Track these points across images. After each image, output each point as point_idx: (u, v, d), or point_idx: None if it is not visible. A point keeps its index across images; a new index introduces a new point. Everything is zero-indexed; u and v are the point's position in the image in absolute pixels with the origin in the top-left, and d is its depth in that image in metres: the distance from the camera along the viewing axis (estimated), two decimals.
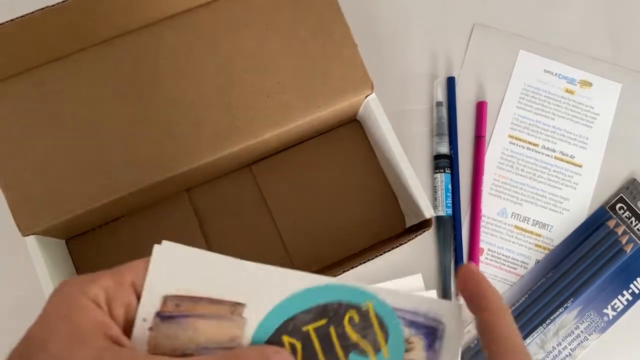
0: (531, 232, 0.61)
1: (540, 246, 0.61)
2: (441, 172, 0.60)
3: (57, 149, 0.50)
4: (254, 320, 0.33)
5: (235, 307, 0.33)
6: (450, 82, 0.63)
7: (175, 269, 0.33)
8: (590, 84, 0.64)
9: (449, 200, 0.60)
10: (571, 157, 0.63)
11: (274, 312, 0.33)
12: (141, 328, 0.32)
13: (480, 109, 0.62)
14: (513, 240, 0.61)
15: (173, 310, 0.32)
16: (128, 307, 0.32)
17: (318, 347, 0.33)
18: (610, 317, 0.59)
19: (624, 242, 0.60)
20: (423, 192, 0.52)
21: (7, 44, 0.49)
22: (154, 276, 0.33)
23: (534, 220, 0.61)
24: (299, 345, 0.33)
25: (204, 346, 0.32)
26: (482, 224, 0.61)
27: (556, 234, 0.61)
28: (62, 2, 0.49)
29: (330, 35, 0.53)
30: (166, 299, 0.32)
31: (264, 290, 0.33)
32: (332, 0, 0.54)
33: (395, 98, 0.62)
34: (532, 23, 0.65)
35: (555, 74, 0.64)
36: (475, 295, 0.32)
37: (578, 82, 0.64)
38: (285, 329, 0.33)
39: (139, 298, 0.32)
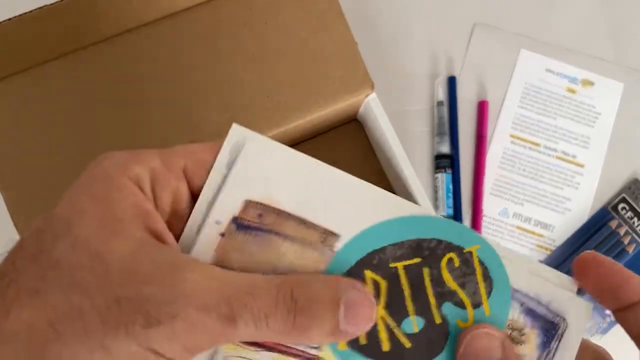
0: (533, 233, 0.61)
1: (542, 247, 0.60)
2: (442, 172, 0.60)
3: (56, 149, 0.50)
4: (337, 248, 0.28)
5: (327, 237, 0.28)
6: (451, 82, 0.62)
7: (264, 169, 0.28)
8: (592, 84, 0.64)
9: (450, 201, 0.60)
10: (573, 157, 0.62)
11: (359, 240, 0.28)
12: (211, 231, 0.27)
13: (482, 108, 0.62)
14: (514, 240, 0.60)
15: (254, 221, 0.28)
16: (177, 195, 0.27)
17: (407, 289, 0.28)
18: (612, 318, 0.59)
19: (626, 242, 0.60)
20: (424, 192, 0.52)
21: (5, 43, 0.49)
22: (238, 172, 0.28)
23: (535, 220, 0.61)
24: (383, 284, 0.28)
25: (281, 272, 0.28)
26: (483, 224, 0.61)
27: (558, 235, 0.61)
28: (61, 0, 0.48)
29: (330, 34, 0.53)
30: (248, 204, 0.28)
31: (354, 211, 0.29)
32: (333, 0, 0.53)
33: (395, 98, 0.62)
34: (534, 22, 0.65)
35: (557, 73, 0.64)
36: (615, 288, 0.27)
37: (580, 82, 0.64)
38: (370, 262, 0.28)
39: (193, 192, 0.27)
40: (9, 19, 0.48)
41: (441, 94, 0.62)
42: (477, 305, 0.28)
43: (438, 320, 0.28)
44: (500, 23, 0.65)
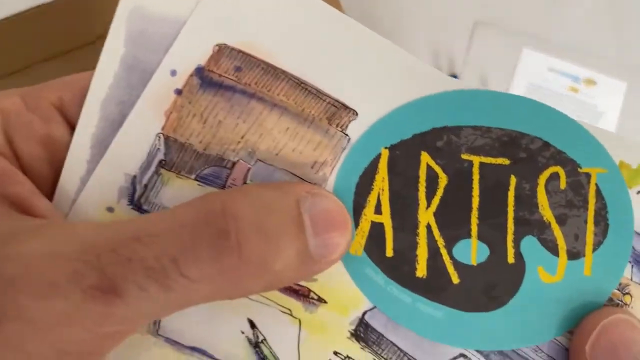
0: None
1: None
2: None
3: None
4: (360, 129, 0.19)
5: (338, 112, 0.19)
6: None
7: (248, 2, 0.19)
8: (595, 83, 0.63)
9: None
10: None
11: (408, 111, 0.19)
12: (162, 85, 0.19)
13: None
14: None
15: (228, 76, 0.19)
16: (52, 143, 0.20)
17: (476, 198, 0.19)
18: None
19: None
20: None
21: (2, 42, 0.49)
22: (207, 3, 0.19)
23: None
24: (443, 181, 0.19)
25: (261, 157, 0.19)
26: None
27: None
28: None
29: None
30: (221, 49, 0.19)
31: (391, 80, 0.19)
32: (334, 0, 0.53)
33: None
34: (536, 21, 0.65)
35: (559, 72, 0.63)
36: None
37: (582, 81, 0.63)
38: (433, 141, 0.19)
39: (73, 128, 0.20)
40: (6, 18, 0.47)
41: None
42: (575, 256, 0.19)
43: (510, 259, 0.19)
44: (501, 22, 0.64)
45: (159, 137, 0.20)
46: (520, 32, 0.64)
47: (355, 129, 0.20)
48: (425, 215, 0.19)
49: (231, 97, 0.19)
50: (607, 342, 0.19)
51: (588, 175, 0.19)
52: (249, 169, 0.20)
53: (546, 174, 0.19)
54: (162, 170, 0.20)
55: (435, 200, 0.19)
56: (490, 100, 0.19)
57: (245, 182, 0.20)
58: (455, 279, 0.20)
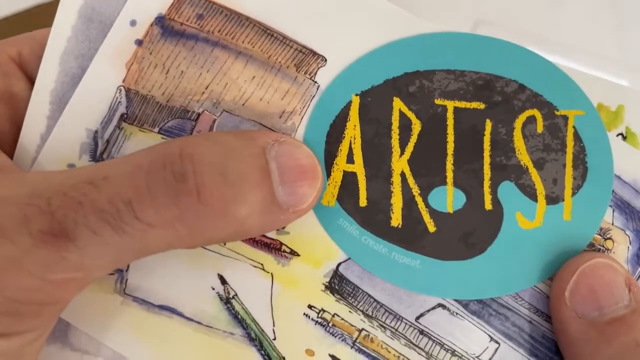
0: None
1: None
2: None
3: None
4: (329, 75, 0.18)
5: (306, 58, 0.18)
6: None
7: None
8: None
9: None
10: None
11: (380, 55, 0.18)
12: (123, 36, 0.18)
13: None
14: None
15: (190, 24, 0.18)
16: (13, 98, 0.19)
17: (451, 144, 0.19)
18: None
19: None
20: None
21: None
22: None
23: None
24: (416, 127, 0.19)
25: (226, 107, 0.18)
26: None
27: None
28: None
29: None
30: None
31: (361, 24, 0.18)
32: None
33: None
34: (536, 21, 0.64)
35: None
36: None
37: None
38: (405, 86, 0.18)
39: (33, 83, 0.19)
40: (6, 18, 0.48)
41: None
42: (554, 200, 0.19)
43: (488, 206, 0.19)
44: (502, 21, 0.64)
45: (120, 89, 0.19)
46: (520, 32, 0.64)
47: (325, 76, 0.19)
48: (399, 163, 0.19)
49: (194, 46, 0.19)
50: (586, 286, 0.18)
51: (565, 118, 0.19)
52: (214, 120, 0.19)
53: (522, 117, 0.19)
54: (124, 124, 0.20)
55: (409, 148, 0.19)
56: (463, 43, 0.19)
57: None
58: (432, 228, 0.19)
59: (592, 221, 0.19)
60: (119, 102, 0.19)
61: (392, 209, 0.19)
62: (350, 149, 0.19)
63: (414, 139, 0.19)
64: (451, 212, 0.19)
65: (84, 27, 0.20)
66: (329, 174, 0.19)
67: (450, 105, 0.19)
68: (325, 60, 0.19)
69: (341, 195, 0.19)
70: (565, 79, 0.19)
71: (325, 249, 0.19)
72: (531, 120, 0.19)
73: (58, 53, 0.20)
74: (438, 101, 0.19)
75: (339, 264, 0.20)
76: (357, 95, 0.19)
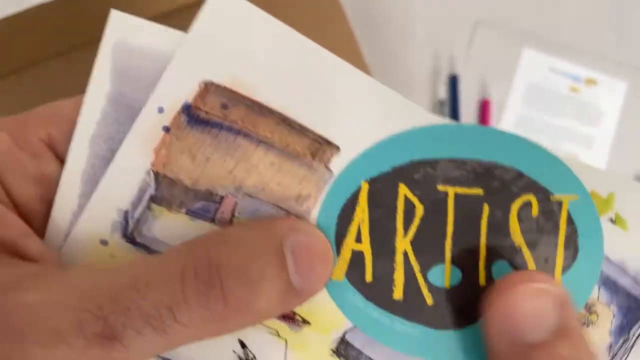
0: None
1: None
2: None
3: None
4: (342, 163, 0.20)
5: (321, 147, 0.20)
6: (453, 81, 0.62)
7: (233, 39, 0.20)
8: (596, 83, 0.63)
9: None
10: (576, 157, 0.62)
11: (388, 145, 0.20)
12: (151, 122, 0.20)
13: (484, 108, 0.62)
14: None
15: (215, 113, 0.20)
16: (44, 180, 0.20)
17: (450, 226, 0.20)
18: None
19: None
20: None
21: (2, 41, 0.49)
22: (194, 40, 0.19)
23: None
24: (419, 210, 0.20)
25: (248, 192, 0.20)
26: None
27: None
28: None
29: (331, 33, 0.52)
30: (207, 87, 0.20)
31: (374, 115, 0.20)
32: None
33: None
34: (537, 20, 0.64)
35: (560, 72, 0.63)
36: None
37: (583, 81, 0.63)
38: (410, 174, 0.20)
39: (63, 163, 0.20)
40: (6, 18, 0.47)
41: (443, 93, 0.61)
42: None
43: (482, 282, 0.20)
44: (502, 21, 0.64)
45: (149, 173, 0.20)
46: (521, 32, 0.64)
47: (338, 163, 0.21)
48: (402, 243, 0.21)
49: (218, 134, 0.20)
50: (507, 311, 0.19)
51: (560, 203, 0.20)
52: (236, 203, 0.21)
53: (519, 202, 0.20)
54: (153, 205, 0.21)
55: (412, 229, 0.20)
56: (466, 134, 0.20)
57: (233, 216, 0.21)
58: (430, 301, 0.21)
59: (580, 297, 0.20)
60: (148, 184, 0.21)
61: (394, 284, 0.21)
62: (359, 230, 0.21)
63: (416, 222, 0.20)
64: (448, 287, 0.21)
65: (112, 110, 0.20)
66: (338, 252, 0.21)
67: (451, 191, 0.20)
68: (339, 149, 0.20)
69: (349, 271, 0.21)
70: (561, 166, 0.20)
71: (333, 319, 0.21)
72: (527, 204, 0.20)
73: (87, 136, 0.20)
74: (440, 187, 0.20)
75: (345, 332, 0.21)
76: (366, 181, 0.20)
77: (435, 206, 0.20)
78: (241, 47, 0.20)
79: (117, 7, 0.51)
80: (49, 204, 0.20)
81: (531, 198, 0.20)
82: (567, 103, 0.63)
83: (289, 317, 0.21)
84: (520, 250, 0.20)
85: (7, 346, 0.16)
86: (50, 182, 0.20)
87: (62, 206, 0.20)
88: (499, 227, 0.20)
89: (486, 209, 0.20)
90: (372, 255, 0.21)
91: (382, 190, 0.20)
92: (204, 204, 0.20)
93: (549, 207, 0.20)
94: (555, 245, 0.20)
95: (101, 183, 0.20)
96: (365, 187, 0.21)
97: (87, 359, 0.17)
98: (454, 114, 0.61)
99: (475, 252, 0.20)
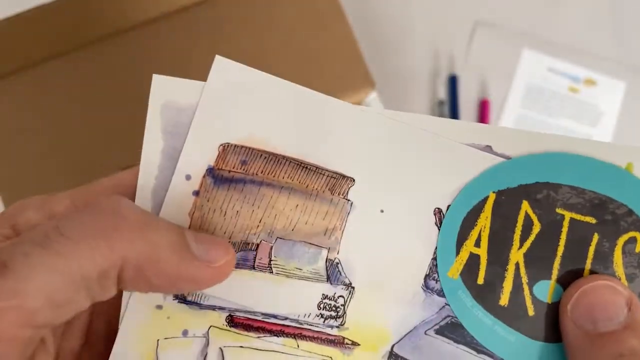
0: None
1: None
2: None
3: (54, 149, 0.50)
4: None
5: (337, 182, 0.22)
6: (453, 81, 0.62)
7: (240, 103, 0.22)
8: (595, 83, 0.63)
9: None
10: None
11: (513, 165, 0.22)
12: (181, 189, 0.21)
13: (483, 108, 0.62)
14: None
15: (237, 171, 0.22)
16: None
17: (562, 248, 0.22)
18: None
19: None
20: None
21: (1, 42, 0.49)
22: (205, 109, 0.21)
23: None
24: (536, 228, 0.22)
25: (279, 235, 0.22)
26: None
27: None
28: None
29: (331, 34, 0.52)
30: (225, 149, 0.22)
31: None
32: None
33: (396, 97, 0.61)
34: (536, 20, 0.64)
35: (560, 72, 0.63)
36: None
37: (582, 81, 0.63)
38: (534, 193, 0.22)
39: None
40: (6, 18, 0.47)
41: (442, 93, 0.62)
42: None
43: None
44: (502, 21, 0.64)
45: None
46: (520, 32, 0.64)
47: (357, 192, 0.22)
48: (516, 255, 0.23)
49: (243, 188, 0.22)
50: (585, 303, 0.22)
51: None
52: (271, 248, 0.22)
53: (625, 237, 0.22)
54: None
55: (527, 244, 0.22)
56: (590, 166, 0.22)
57: (270, 259, 0.22)
58: (531, 312, 0.23)
59: None
60: None
61: (502, 291, 0.23)
62: (479, 236, 0.23)
63: (532, 237, 0.22)
64: (550, 302, 0.22)
65: (168, 164, 0.22)
66: (457, 252, 0.23)
67: (567, 215, 0.22)
68: (354, 180, 0.22)
69: (464, 271, 0.23)
70: None
71: (380, 336, 0.23)
72: (632, 240, 0.22)
73: (149, 189, 0.22)
74: (559, 210, 0.22)
75: (393, 345, 0.23)
76: (494, 192, 0.23)
77: (552, 226, 0.22)
78: (250, 107, 0.22)
79: (118, 9, 0.51)
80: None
81: (637, 235, 0.22)
82: (566, 103, 0.63)
83: (339, 342, 0.23)
84: (619, 280, 0.22)
85: None
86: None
87: None
88: (604, 255, 0.22)
89: (596, 237, 0.22)
90: (487, 261, 0.23)
91: (506, 203, 0.22)
92: (242, 254, 0.22)
93: None
94: None
95: None
96: (492, 197, 0.23)
97: None
98: (454, 114, 0.61)
99: (579, 274, 0.22)
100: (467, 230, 0.23)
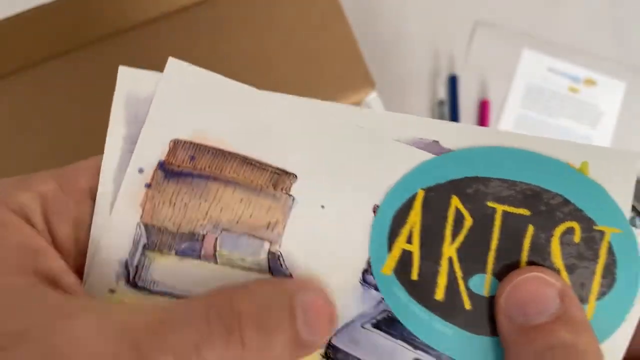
0: None
1: None
2: None
3: (54, 149, 0.50)
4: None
5: (280, 178, 0.23)
6: (452, 81, 0.62)
7: (191, 101, 0.23)
8: (595, 83, 0.63)
9: None
10: None
11: (441, 162, 0.22)
12: (134, 182, 0.23)
13: (483, 108, 0.62)
14: None
15: (185, 165, 0.23)
16: (80, 224, 0.22)
17: (495, 241, 0.22)
18: None
19: None
20: None
21: (1, 42, 0.49)
22: (158, 107, 0.23)
23: None
24: (467, 223, 0.22)
25: (224, 227, 0.23)
26: None
27: None
28: None
29: (331, 34, 0.52)
30: (176, 144, 0.23)
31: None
32: None
33: (396, 97, 0.61)
34: (536, 21, 0.64)
35: (560, 72, 0.63)
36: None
37: (582, 81, 0.63)
38: (464, 188, 0.22)
39: None
40: (6, 18, 0.47)
41: (442, 93, 0.61)
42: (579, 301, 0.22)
43: None
44: (502, 21, 0.64)
45: (139, 225, 0.23)
46: (520, 32, 0.64)
47: (298, 189, 0.23)
48: (449, 250, 0.23)
49: (191, 182, 0.23)
50: (517, 296, 0.21)
51: (602, 233, 0.22)
52: (216, 239, 0.23)
53: (562, 227, 0.22)
54: (147, 252, 0.23)
55: (459, 238, 0.22)
56: (519, 157, 0.22)
57: (215, 250, 0.23)
58: (468, 306, 0.23)
59: (609, 327, 0.22)
60: (140, 235, 0.23)
61: (437, 285, 0.23)
62: (411, 232, 0.23)
63: (464, 232, 0.22)
64: (487, 296, 0.22)
65: (129, 148, 0.23)
66: (390, 250, 0.23)
67: (499, 208, 0.22)
68: (296, 177, 0.23)
69: (397, 267, 0.23)
70: (607, 199, 0.22)
71: None
72: (570, 231, 0.22)
73: (112, 171, 0.23)
74: (490, 204, 0.22)
75: (331, 338, 0.24)
76: (422, 189, 0.23)
77: (483, 220, 0.22)
78: (199, 105, 0.23)
79: (118, 9, 0.51)
80: (81, 248, 0.23)
81: (575, 225, 0.22)
82: (566, 103, 0.63)
83: None
84: (559, 272, 0.22)
85: None
86: (86, 227, 0.23)
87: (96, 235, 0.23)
88: (540, 247, 0.22)
89: (531, 229, 0.22)
90: (420, 257, 0.23)
91: (436, 199, 0.23)
92: (189, 244, 0.23)
93: (591, 236, 0.22)
94: (593, 273, 0.22)
95: (102, 240, 0.23)
96: (421, 194, 0.23)
97: None
98: (454, 114, 0.61)
99: (515, 267, 0.22)
100: (398, 227, 0.23)
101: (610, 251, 0.22)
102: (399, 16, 0.64)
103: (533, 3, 0.65)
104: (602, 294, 0.22)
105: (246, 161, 0.23)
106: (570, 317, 0.21)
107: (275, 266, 0.23)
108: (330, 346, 0.24)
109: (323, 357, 0.24)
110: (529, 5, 0.65)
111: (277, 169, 0.23)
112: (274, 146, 0.23)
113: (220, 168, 0.23)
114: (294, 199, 0.23)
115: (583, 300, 0.22)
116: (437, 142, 0.23)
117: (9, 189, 0.22)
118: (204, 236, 0.23)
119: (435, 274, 0.23)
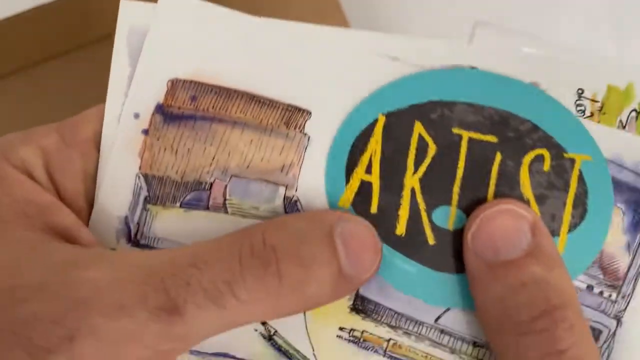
0: None
1: None
2: None
3: None
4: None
5: (293, 115, 0.21)
6: None
7: (190, 35, 0.21)
8: None
9: None
10: None
11: (402, 85, 0.20)
12: (130, 129, 0.21)
13: None
14: None
15: (186, 107, 0.21)
16: (89, 177, 0.21)
17: (460, 170, 0.20)
18: None
19: None
20: None
21: (2, 42, 0.49)
22: (153, 43, 0.20)
23: None
24: (431, 151, 0.21)
25: (234, 173, 0.21)
26: None
27: None
28: None
29: None
30: (174, 84, 0.21)
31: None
32: None
33: None
34: (536, 21, 0.64)
35: None
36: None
37: None
38: (427, 113, 0.20)
39: None
40: (6, 18, 0.48)
41: None
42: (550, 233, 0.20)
43: None
44: (501, 22, 0.64)
45: (139, 176, 0.21)
46: (520, 32, 0.64)
47: (313, 125, 0.21)
48: (411, 180, 0.21)
49: (194, 125, 0.21)
50: (485, 232, 0.20)
51: (572, 161, 0.20)
52: (225, 186, 0.21)
53: (531, 154, 0.20)
54: (149, 206, 0.21)
55: (422, 168, 0.21)
56: (486, 80, 0.21)
57: (225, 199, 0.21)
58: (431, 240, 0.21)
59: (582, 259, 0.21)
60: (140, 187, 0.21)
61: (398, 219, 0.21)
62: (370, 161, 0.21)
63: (427, 161, 0.21)
64: (451, 229, 0.21)
65: None
66: (347, 181, 0.21)
67: (465, 135, 0.21)
68: (310, 113, 0.21)
69: (356, 200, 0.21)
70: (577, 125, 0.20)
71: None
72: (539, 158, 0.20)
73: (116, 115, 0.21)
74: (455, 130, 0.21)
75: (359, 288, 0.22)
76: (383, 115, 0.21)
77: (448, 148, 0.20)
78: (198, 40, 0.21)
79: (118, 9, 0.51)
80: (91, 201, 0.21)
81: (544, 152, 0.20)
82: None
83: None
84: (528, 202, 0.20)
85: (73, 315, 0.17)
86: (94, 179, 0.21)
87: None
88: (509, 176, 0.20)
89: (498, 157, 0.20)
90: (380, 188, 0.21)
91: (397, 125, 0.21)
92: (195, 193, 0.21)
93: (561, 164, 0.20)
94: (564, 203, 0.20)
95: (99, 196, 0.21)
96: (381, 120, 0.21)
97: (149, 331, 0.17)
98: None
99: (482, 198, 0.20)
100: (356, 156, 0.21)
101: (582, 180, 0.20)
102: (399, 16, 0.63)
103: (533, 3, 0.65)
104: (573, 226, 0.20)
105: (254, 99, 0.21)
106: (541, 252, 0.19)
107: (292, 212, 0.22)
108: (358, 297, 0.22)
109: (351, 309, 0.22)
110: (529, 5, 0.65)
111: (289, 105, 0.21)
112: (284, 81, 0.21)
113: (225, 108, 0.21)
114: (309, 138, 0.21)
115: (554, 232, 0.20)
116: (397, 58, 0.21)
117: (11, 143, 0.21)
118: (211, 184, 0.21)
119: (396, 206, 0.21)
